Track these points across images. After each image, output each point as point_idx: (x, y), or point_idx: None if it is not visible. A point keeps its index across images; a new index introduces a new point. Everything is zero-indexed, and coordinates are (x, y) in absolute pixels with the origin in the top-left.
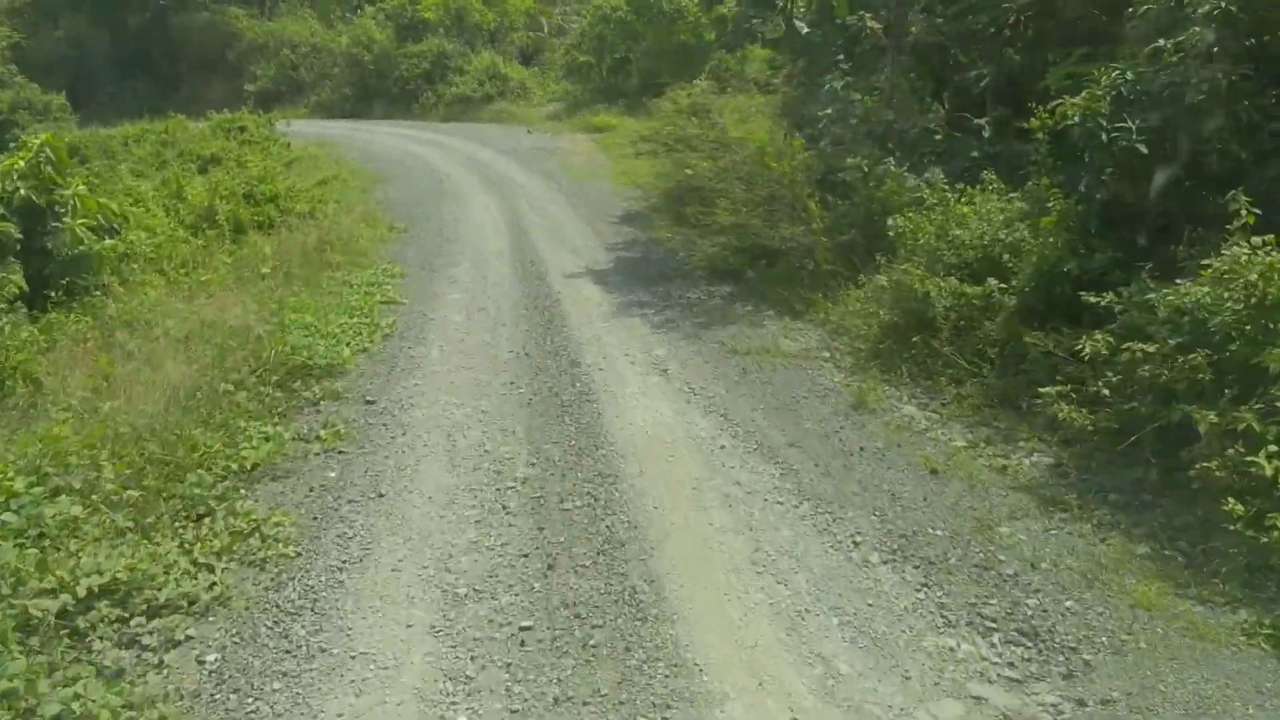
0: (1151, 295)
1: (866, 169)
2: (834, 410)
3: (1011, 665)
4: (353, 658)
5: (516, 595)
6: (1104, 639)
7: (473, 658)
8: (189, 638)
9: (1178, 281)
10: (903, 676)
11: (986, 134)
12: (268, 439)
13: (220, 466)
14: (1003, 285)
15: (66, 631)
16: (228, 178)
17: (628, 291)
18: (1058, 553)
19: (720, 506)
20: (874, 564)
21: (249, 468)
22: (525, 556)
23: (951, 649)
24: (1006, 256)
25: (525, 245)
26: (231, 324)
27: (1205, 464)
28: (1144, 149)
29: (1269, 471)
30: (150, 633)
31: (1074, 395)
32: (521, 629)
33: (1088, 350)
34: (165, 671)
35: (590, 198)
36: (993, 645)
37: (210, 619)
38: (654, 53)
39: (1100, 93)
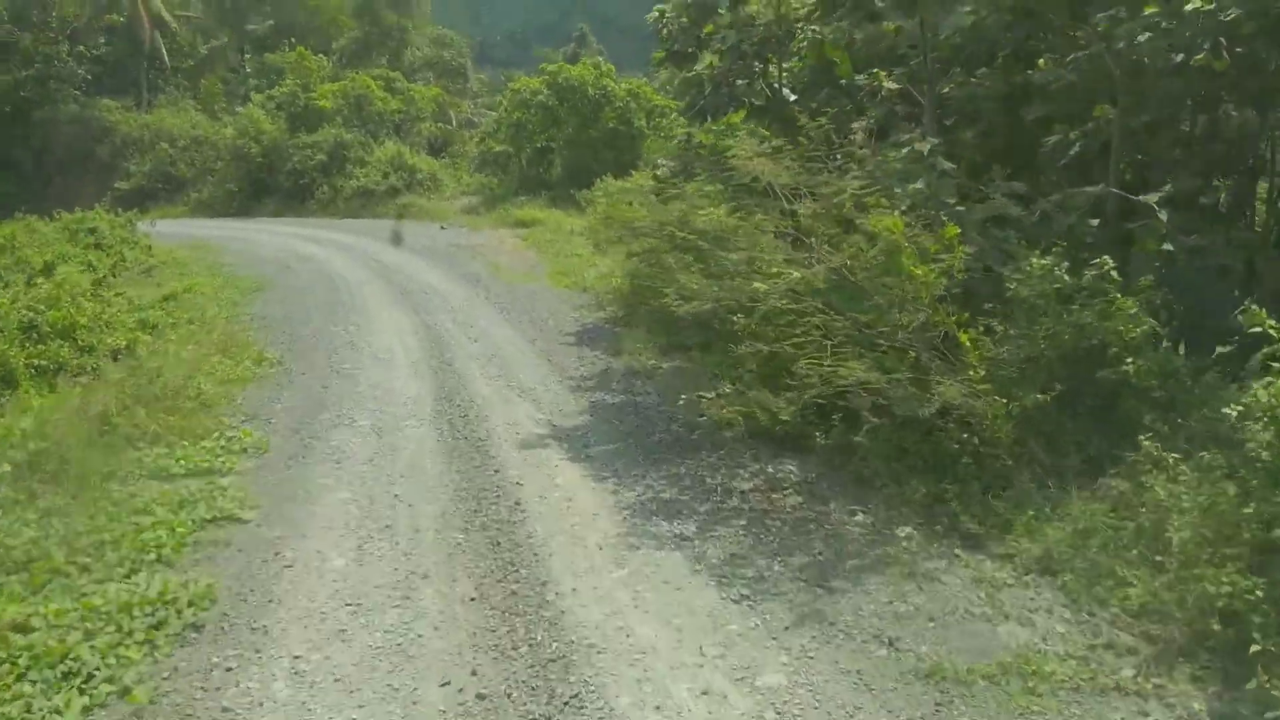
0: None
1: (1065, 277)
2: None
3: None
4: None
5: None
6: None
7: None
8: None
9: None
10: None
11: (1162, 214)
12: None
13: None
14: None
15: None
16: (3, 301)
17: (630, 478)
18: None
19: None
20: None
21: None
22: None
23: None
24: None
25: (454, 386)
26: None
27: None
28: None
29: None
30: None
31: None
32: None
33: None
34: None
35: (530, 307)
36: None
37: None
38: (580, 141)
39: None
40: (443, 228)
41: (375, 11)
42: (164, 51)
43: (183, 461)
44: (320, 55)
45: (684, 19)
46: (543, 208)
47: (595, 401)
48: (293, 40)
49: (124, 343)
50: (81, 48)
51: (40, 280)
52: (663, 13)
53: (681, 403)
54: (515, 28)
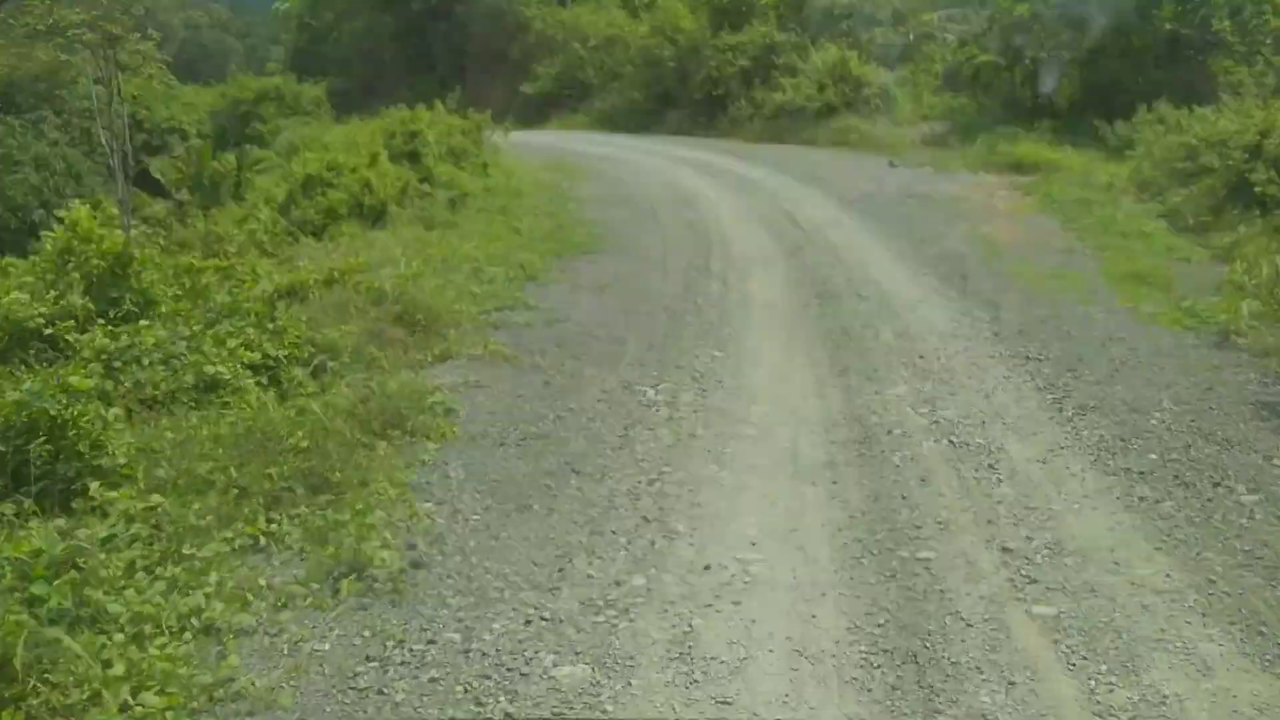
0: None
1: None
2: None
3: None
4: None
5: None
6: None
7: None
8: None
9: None
10: None
11: None
12: None
13: None
14: None
15: None
16: None
17: None
18: None
19: None
20: None
21: None
22: None
23: None
24: None
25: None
26: None
27: None
28: None
29: None
30: None
31: None
32: None
33: None
34: None
35: (1097, 368)
36: None
37: None
38: (1111, 51)
39: None
40: (893, 164)
41: None
42: None
43: None
44: None
45: None
46: (1049, 146)
47: None
48: None
49: None
50: None
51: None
52: None
53: None
54: None
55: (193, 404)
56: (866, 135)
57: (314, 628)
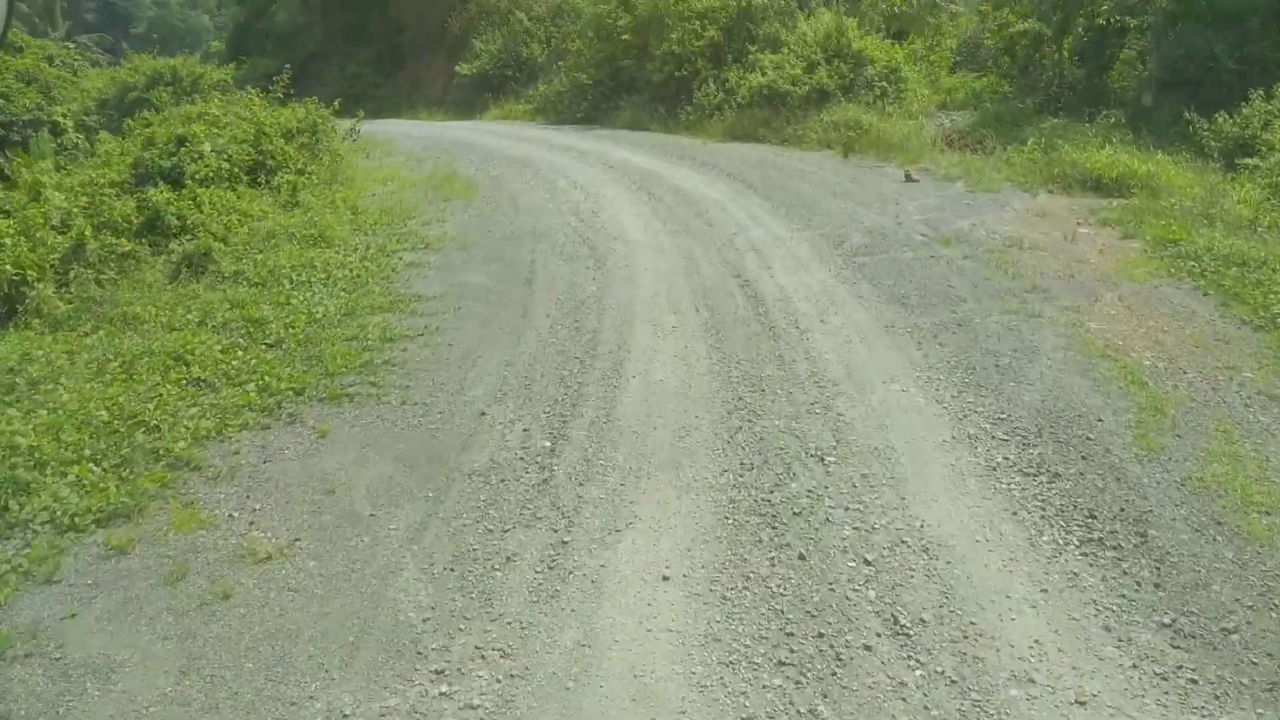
0: None
1: None
2: None
3: None
4: None
5: None
6: None
7: None
8: None
9: None
10: None
11: None
12: None
13: None
14: None
15: None
16: None
17: None
18: None
19: None
20: None
21: None
22: None
23: None
24: None
25: None
26: None
27: None
28: None
29: None
30: None
31: None
32: None
33: None
34: None
35: None
36: None
37: None
38: (1204, 9)
39: None
40: (910, 177)
41: None
42: None
43: None
44: None
45: None
46: (1126, 148)
47: None
48: None
49: None
50: None
51: None
52: None
53: None
54: None
55: None
56: (870, 131)
57: None
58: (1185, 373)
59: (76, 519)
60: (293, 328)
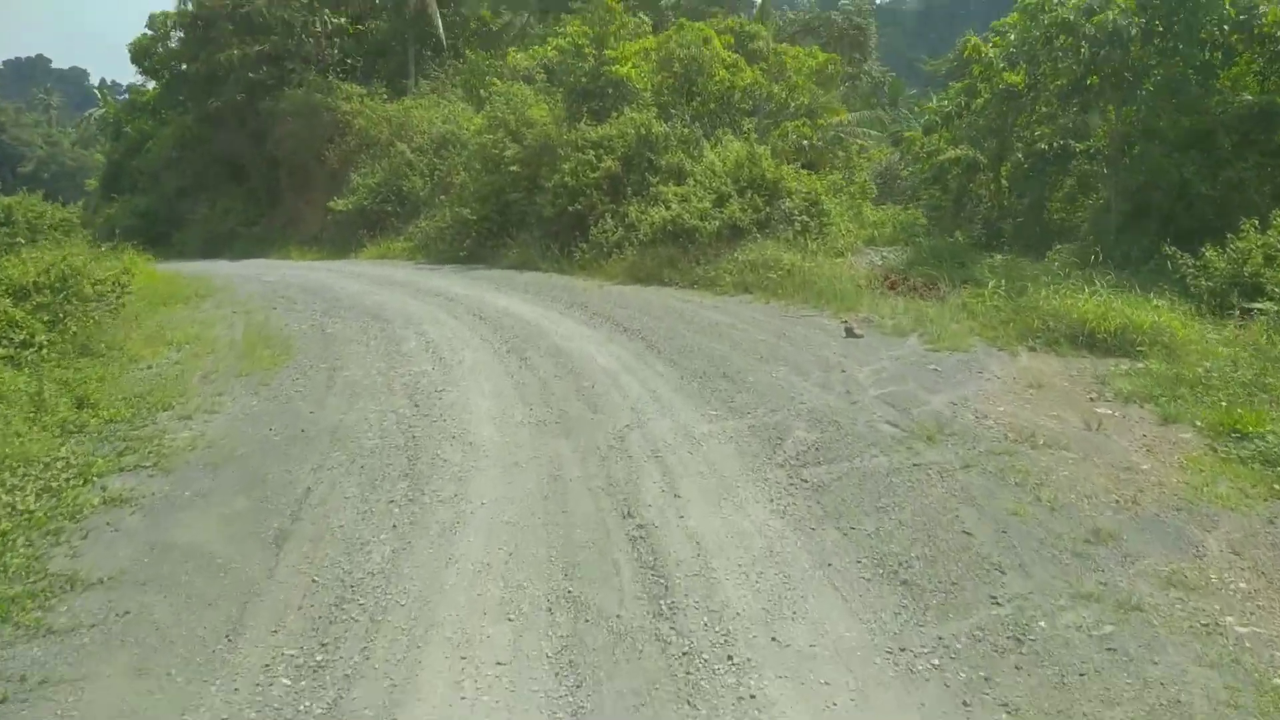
0: None
1: None
2: None
3: None
4: None
5: None
6: None
7: None
8: None
9: None
10: None
11: None
12: None
13: None
14: None
15: None
16: None
17: None
18: None
19: None
20: None
21: None
22: None
23: None
24: None
25: None
26: None
27: None
28: None
29: None
30: None
31: None
32: None
33: None
34: None
35: None
36: None
37: None
38: (1192, 131)
39: None
40: (851, 331)
41: None
42: (439, 22)
43: None
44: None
45: None
46: (1116, 294)
47: None
48: None
49: None
50: (340, 19)
51: None
52: None
53: None
54: None
55: None
56: (794, 272)
57: None
58: None
59: None
60: None
